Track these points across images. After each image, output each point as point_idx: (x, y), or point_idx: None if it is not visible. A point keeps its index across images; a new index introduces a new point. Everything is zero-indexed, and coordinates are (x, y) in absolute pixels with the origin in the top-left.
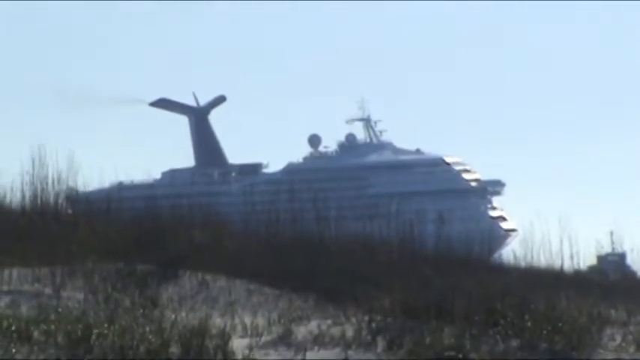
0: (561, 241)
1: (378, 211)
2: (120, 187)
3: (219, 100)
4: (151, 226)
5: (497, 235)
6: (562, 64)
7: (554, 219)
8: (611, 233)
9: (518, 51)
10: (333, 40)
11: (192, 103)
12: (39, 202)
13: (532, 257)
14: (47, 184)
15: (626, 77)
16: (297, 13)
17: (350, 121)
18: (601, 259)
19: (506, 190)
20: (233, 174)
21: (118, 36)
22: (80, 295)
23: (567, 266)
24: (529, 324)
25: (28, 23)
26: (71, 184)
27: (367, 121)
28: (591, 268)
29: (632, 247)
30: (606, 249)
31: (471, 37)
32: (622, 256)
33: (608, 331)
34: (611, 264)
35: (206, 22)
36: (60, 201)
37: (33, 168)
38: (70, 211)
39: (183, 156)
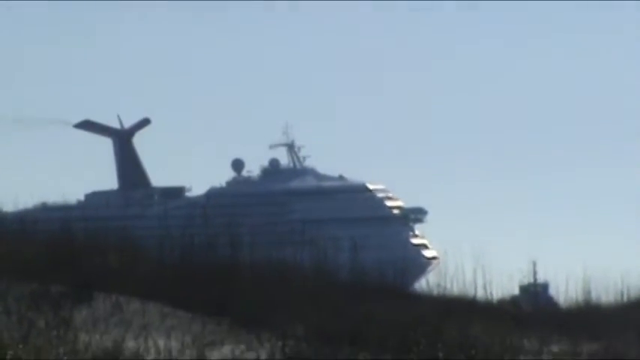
0: (475, 271)
1: (297, 237)
2: (43, 208)
3: (144, 122)
4: (65, 248)
5: (418, 263)
6: (488, 89)
7: (470, 248)
8: (534, 263)
9: (443, 76)
10: (259, 63)
11: (117, 126)
12: None
13: (445, 286)
14: None
15: (553, 108)
16: (223, 35)
17: (273, 146)
18: (523, 288)
19: (428, 217)
20: (156, 197)
21: (43, 57)
22: None
23: (481, 295)
24: (442, 352)
25: None
26: None
27: (291, 147)
28: (513, 298)
29: (554, 278)
30: (528, 279)
31: (396, 61)
32: (544, 286)
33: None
34: (533, 294)
35: (132, 44)
36: None
37: None
38: None
39: (107, 178)
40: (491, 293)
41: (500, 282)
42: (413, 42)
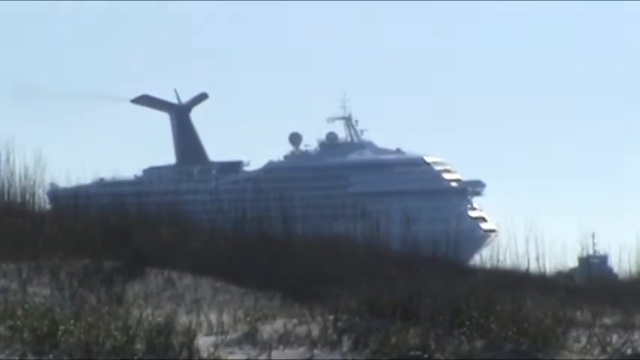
0: (527, 243)
1: (350, 210)
2: (100, 184)
3: (201, 97)
4: (118, 223)
5: (476, 236)
6: (548, 60)
7: (523, 220)
8: (593, 235)
9: (502, 48)
10: (316, 37)
11: (174, 101)
12: (5, 197)
13: (498, 259)
14: (14, 179)
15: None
16: (280, 10)
17: (331, 120)
18: (582, 260)
19: (486, 190)
20: (214, 171)
21: (101, 34)
22: (46, 291)
23: (534, 268)
24: (494, 325)
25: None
26: (38, 179)
27: (348, 120)
28: (570, 271)
29: (616, 249)
30: (587, 251)
31: (456, 34)
32: (603, 258)
33: (574, 332)
34: (593, 266)
35: (189, 20)
36: (27, 197)
37: (0, 163)
38: (49, 207)
39: (165, 153)
40: (544, 266)
41: (556, 254)
42: (473, 12)
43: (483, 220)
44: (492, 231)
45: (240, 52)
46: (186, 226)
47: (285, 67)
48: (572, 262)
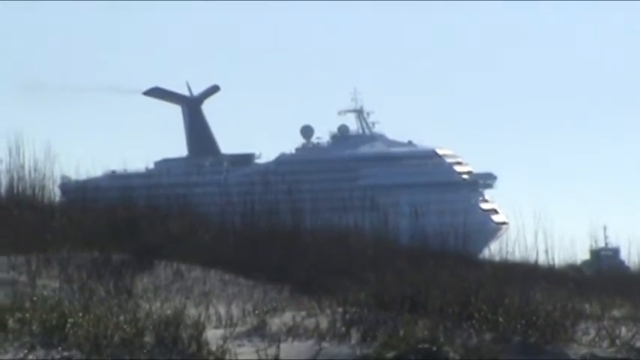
0: (536, 235)
1: (359, 202)
2: (112, 176)
3: (213, 89)
4: (127, 215)
5: (488, 228)
6: (559, 53)
7: (533, 213)
8: (605, 228)
9: (514, 40)
10: (327, 30)
11: (186, 93)
12: (15, 190)
13: (507, 251)
14: (24, 172)
15: (619, 74)
16: (292, 3)
17: (342, 113)
18: (594, 253)
19: (498, 183)
20: (225, 164)
21: (114, 26)
22: (55, 284)
23: (543, 261)
24: (503, 318)
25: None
26: (48, 172)
27: (360, 113)
28: (583, 263)
29: (629, 241)
30: (598, 243)
31: (466, 25)
32: (615, 251)
33: (582, 325)
34: (605, 259)
35: (201, 12)
36: (37, 190)
37: (10, 156)
38: (61, 199)
39: (176, 146)
40: (553, 258)
41: (566, 247)
42: (483, 3)
43: (495, 212)
44: (504, 223)
45: (251, 44)
46: (195, 218)
47: (296, 60)
48: (583, 255)
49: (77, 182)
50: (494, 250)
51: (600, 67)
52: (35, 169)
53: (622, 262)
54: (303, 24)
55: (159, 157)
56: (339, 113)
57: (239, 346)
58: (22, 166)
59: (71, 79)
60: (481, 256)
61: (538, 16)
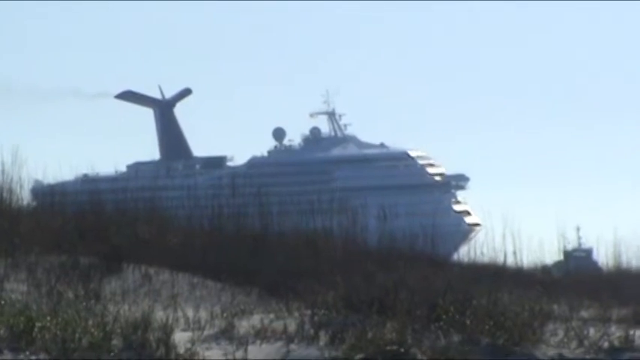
0: (504, 237)
1: (327, 205)
2: (84, 180)
3: (185, 92)
4: (94, 219)
5: (460, 230)
6: (532, 54)
7: (501, 214)
8: (578, 229)
9: (488, 42)
10: (299, 33)
11: (158, 96)
12: None
13: (475, 253)
14: None
15: (588, 75)
16: (264, 5)
17: (314, 115)
18: (567, 254)
19: (470, 184)
20: (197, 167)
21: (85, 30)
22: (23, 288)
23: (511, 263)
24: (470, 319)
25: None
26: (16, 176)
27: (332, 115)
28: (556, 264)
29: (600, 242)
30: (571, 245)
31: (437, 30)
32: (589, 252)
33: (551, 326)
34: (578, 260)
35: (173, 15)
36: (5, 194)
37: None
38: (33, 203)
39: (148, 149)
40: (521, 260)
41: (534, 248)
42: (452, 6)
43: (468, 213)
44: (477, 225)
45: (223, 47)
46: (163, 222)
47: (268, 63)
48: (553, 256)
49: (49, 186)
50: (463, 252)
51: (570, 68)
52: (3, 173)
53: (595, 263)
54: (275, 27)
55: (132, 161)
56: (311, 116)
57: (207, 348)
58: None
59: (40, 83)
60: (450, 257)
61: (507, 18)
